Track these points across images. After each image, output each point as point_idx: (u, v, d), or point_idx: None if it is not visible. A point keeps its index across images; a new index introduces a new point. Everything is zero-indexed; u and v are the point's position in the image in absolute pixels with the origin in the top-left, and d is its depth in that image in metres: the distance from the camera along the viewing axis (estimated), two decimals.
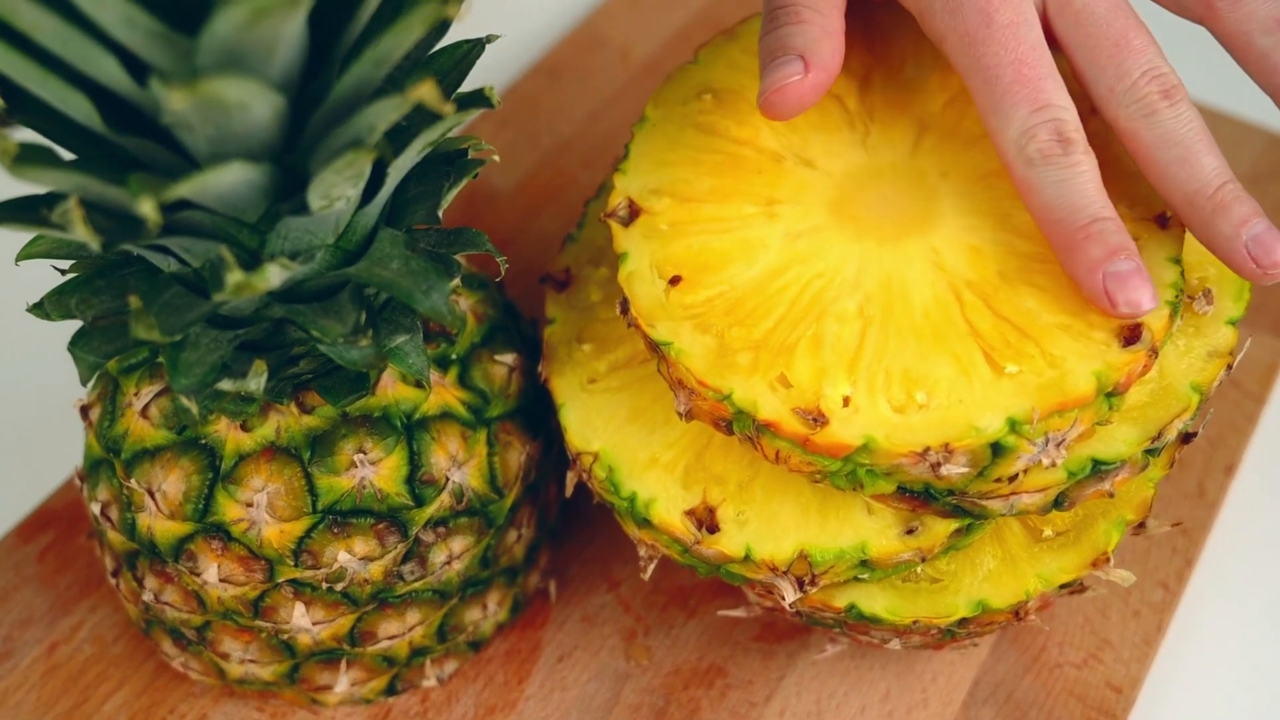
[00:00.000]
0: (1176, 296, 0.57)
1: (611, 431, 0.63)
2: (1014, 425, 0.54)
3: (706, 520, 0.61)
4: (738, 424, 0.57)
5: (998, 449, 0.55)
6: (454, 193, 0.55)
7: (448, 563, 0.64)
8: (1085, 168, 0.56)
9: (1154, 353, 0.56)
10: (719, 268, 0.60)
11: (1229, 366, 0.61)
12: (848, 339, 0.57)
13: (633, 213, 0.62)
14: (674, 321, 0.59)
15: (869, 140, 0.63)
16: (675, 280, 0.60)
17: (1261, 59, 0.59)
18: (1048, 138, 0.56)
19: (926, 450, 0.54)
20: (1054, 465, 0.55)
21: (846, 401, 0.56)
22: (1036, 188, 0.57)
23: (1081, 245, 0.56)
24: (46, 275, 0.66)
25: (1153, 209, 0.59)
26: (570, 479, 0.66)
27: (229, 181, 0.45)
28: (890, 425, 0.55)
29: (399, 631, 0.65)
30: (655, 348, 0.59)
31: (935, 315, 0.57)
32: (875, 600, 0.62)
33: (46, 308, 0.54)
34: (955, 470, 0.55)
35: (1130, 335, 0.56)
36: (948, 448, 0.54)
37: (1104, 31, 0.58)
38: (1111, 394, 0.56)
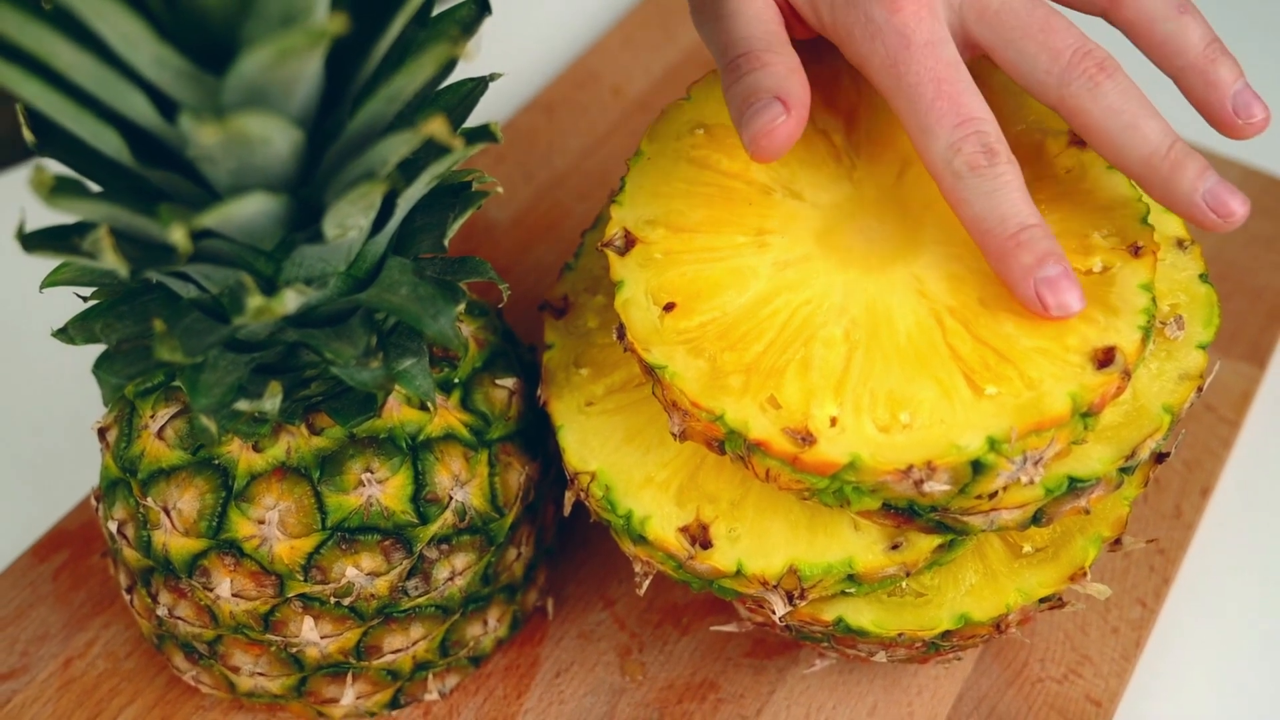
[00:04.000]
0: (1148, 322, 0.59)
1: (608, 452, 0.65)
2: (993, 444, 0.56)
3: (700, 537, 0.63)
4: (729, 444, 0.59)
5: (978, 467, 0.57)
6: (459, 223, 0.58)
7: (450, 579, 0.66)
8: (1010, 177, 0.59)
9: (1127, 375, 0.58)
10: (711, 295, 0.62)
11: (1199, 389, 0.63)
12: (834, 362, 0.59)
13: (629, 242, 0.64)
14: (668, 346, 0.61)
15: (855, 174, 0.65)
16: (669, 307, 0.62)
17: (1164, 43, 0.61)
18: (973, 150, 0.59)
19: (910, 468, 0.56)
20: (1032, 483, 0.57)
21: (833, 422, 0.57)
22: (967, 200, 0.59)
23: (1013, 253, 0.58)
24: (57, 305, 0.68)
25: (1126, 239, 0.61)
26: (568, 498, 0.68)
27: (250, 212, 0.48)
28: (875, 444, 0.57)
29: (403, 646, 0.67)
30: (650, 371, 0.61)
31: (918, 339, 0.59)
32: (862, 614, 0.64)
33: (70, 332, 0.56)
34: (938, 487, 0.56)
35: (1104, 359, 0.58)
36: (930, 465, 0.56)
37: (1026, 22, 0.61)
38: (1086, 414, 0.57)
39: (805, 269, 0.62)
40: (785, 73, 0.61)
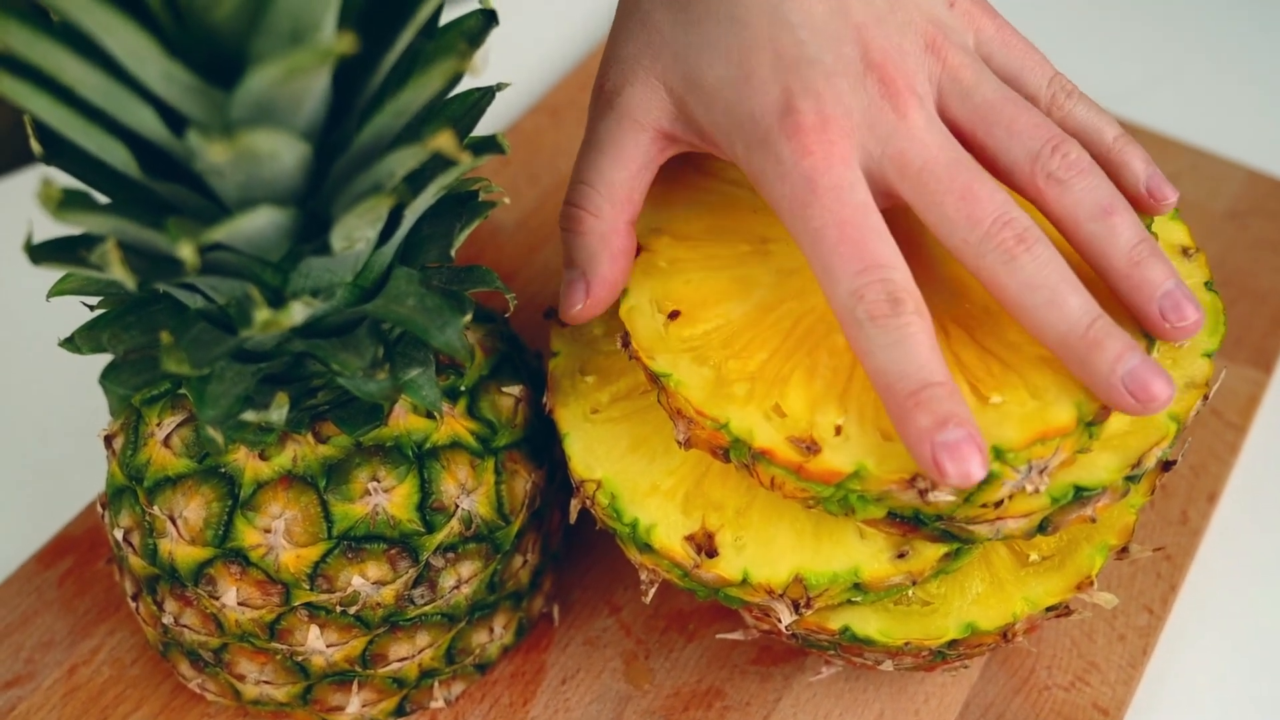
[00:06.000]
0: None
1: (614, 460, 0.65)
2: (999, 453, 0.56)
3: (705, 545, 0.63)
4: (735, 452, 0.60)
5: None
6: (466, 233, 0.58)
7: (456, 587, 0.66)
8: (915, 329, 0.55)
9: None
10: (715, 303, 0.62)
11: (1205, 397, 0.63)
12: (839, 370, 0.59)
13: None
14: (673, 354, 0.61)
15: None
16: (674, 315, 0.62)
17: (1089, 243, 0.59)
18: (875, 298, 0.56)
19: (915, 477, 0.56)
20: (1037, 491, 0.57)
21: (838, 430, 0.58)
22: (869, 350, 0.56)
23: (911, 413, 0.55)
24: (64, 311, 0.68)
25: None
26: (574, 506, 0.68)
27: (258, 225, 0.48)
28: (880, 453, 0.57)
29: (409, 653, 0.67)
30: (655, 379, 0.61)
31: None
32: (868, 622, 0.64)
33: (77, 341, 0.56)
34: (943, 496, 0.56)
35: None
36: None
37: (948, 185, 0.57)
38: (1091, 423, 0.58)
39: (809, 276, 0.63)
40: (597, 245, 0.62)
